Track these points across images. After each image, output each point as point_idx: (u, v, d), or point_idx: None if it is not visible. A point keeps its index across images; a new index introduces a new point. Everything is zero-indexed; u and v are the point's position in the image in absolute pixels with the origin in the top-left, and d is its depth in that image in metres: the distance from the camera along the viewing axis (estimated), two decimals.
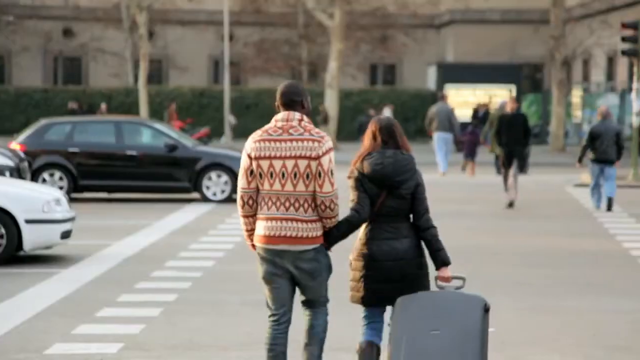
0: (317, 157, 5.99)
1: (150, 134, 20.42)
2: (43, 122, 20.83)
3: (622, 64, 41.45)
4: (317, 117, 39.57)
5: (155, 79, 50.23)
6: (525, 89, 46.74)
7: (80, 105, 41.04)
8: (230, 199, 19.85)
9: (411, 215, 6.34)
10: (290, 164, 5.99)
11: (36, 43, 51.08)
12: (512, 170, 18.42)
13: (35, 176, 19.70)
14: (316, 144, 6.01)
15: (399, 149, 6.26)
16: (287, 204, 6.02)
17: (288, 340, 6.30)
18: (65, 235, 12.70)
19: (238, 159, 20.17)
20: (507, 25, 49.21)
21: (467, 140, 27.43)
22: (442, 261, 6.25)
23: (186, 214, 17.97)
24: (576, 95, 42.18)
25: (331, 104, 38.70)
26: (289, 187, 6.00)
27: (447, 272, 6.25)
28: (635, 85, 25.74)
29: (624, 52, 26.34)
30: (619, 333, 9.06)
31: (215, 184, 19.91)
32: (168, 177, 19.94)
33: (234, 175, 19.86)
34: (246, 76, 51.53)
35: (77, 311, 9.75)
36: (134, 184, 20.00)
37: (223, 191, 19.90)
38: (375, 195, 6.19)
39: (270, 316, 6.25)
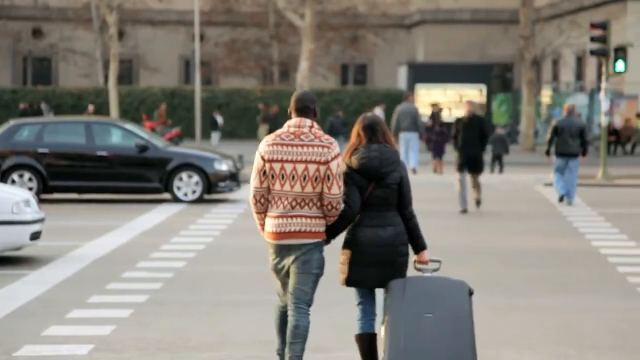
0: (326, 162, 6.56)
1: (121, 135, 20.32)
2: (12, 122, 20.68)
3: (591, 63, 41.71)
4: (257, 117, 39.82)
5: (126, 79, 50.01)
6: (496, 88, 46.93)
7: (31, 105, 40.74)
8: (201, 200, 19.79)
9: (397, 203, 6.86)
10: (300, 167, 6.55)
11: (5, 43, 50.72)
12: (470, 176, 17.89)
13: (4, 177, 19.56)
14: (325, 149, 6.58)
15: (382, 144, 6.78)
16: (293, 203, 6.60)
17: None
18: (35, 236, 12.62)
19: (209, 160, 20.13)
20: (477, 25, 49.40)
21: (434, 140, 27.68)
22: (421, 246, 6.88)
23: (157, 215, 17.90)
24: (546, 95, 42.40)
25: None
26: (297, 188, 6.58)
27: (424, 256, 6.89)
28: (603, 84, 25.91)
29: (592, 52, 26.50)
30: (590, 331, 9.12)
31: (186, 184, 19.83)
32: (139, 177, 19.84)
33: (205, 176, 19.81)
34: (217, 76, 51.41)
35: (47, 312, 9.69)
36: (105, 185, 19.90)
37: (194, 191, 19.83)
38: (364, 186, 6.72)
39: (279, 303, 6.92)
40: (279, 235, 6.63)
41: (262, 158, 6.61)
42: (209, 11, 49.23)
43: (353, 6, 50.04)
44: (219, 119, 40.35)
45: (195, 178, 19.81)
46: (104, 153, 19.86)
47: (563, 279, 11.84)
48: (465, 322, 6.41)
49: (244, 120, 43.79)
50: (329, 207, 6.59)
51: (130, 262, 12.63)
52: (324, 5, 46.72)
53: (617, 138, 36.61)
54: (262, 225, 6.79)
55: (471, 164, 17.86)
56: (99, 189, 20.03)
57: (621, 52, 26.32)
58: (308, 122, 6.62)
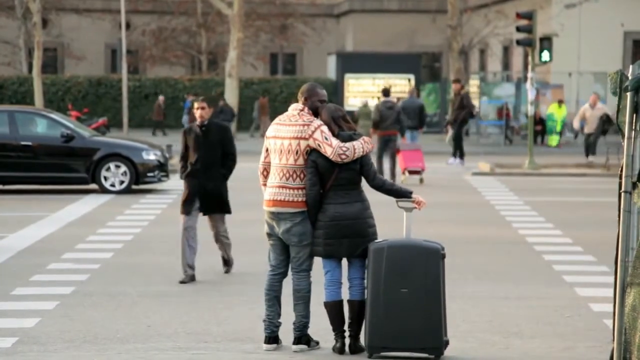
0: (308, 137, 7.78)
1: (46, 124, 20.00)
2: None
3: (517, 53, 42.18)
4: None
5: (51, 68, 49.29)
6: (424, 78, 47.24)
7: None
8: (129, 190, 19.59)
9: (361, 182, 7.81)
10: (286, 143, 7.84)
11: None
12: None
13: None
14: (305, 127, 7.84)
15: (354, 130, 7.88)
16: (280, 175, 7.83)
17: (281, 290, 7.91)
18: None
19: (137, 149, 19.93)
20: (405, 15, 49.63)
21: None
22: (403, 194, 8.03)
23: (84, 206, 17.68)
24: (473, 85, 42.80)
25: (231, 93, 38.56)
26: (284, 161, 7.84)
27: (417, 197, 8.05)
28: (529, 74, 26.21)
29: (518, 42, 26.78)
30: (515, 319, 9.22)
31: (113, 174, 19.62)
32: (64, 168, 19.57)
33: (132, 166, 19.60)
34: (145, 65, 50.94)
35: None
36: (29, 175, 19.59)
37: (122, 182, 19.62)
38: (329, 170, 7.72)
39: (269, 268, 7.94)
40: (270, 202, 7.83)
41: (266, 136, 7.99)
42: None
43: None
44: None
45: (123, 168, 19.60)
46: (28, 143, 19.55)
47: (490, 267, 11.96)
48: (435, 296, 7.55)
49: (172, 109, 43.46)
50: (339, 160, 7.69)
51: (55, 253, 12.46)
52: None
53: (543, 127, 37.08)
54: None
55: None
56: (24, 180, 19.71)
57: (546, 42, 26.65)
58: (300, 107, 7.97)
